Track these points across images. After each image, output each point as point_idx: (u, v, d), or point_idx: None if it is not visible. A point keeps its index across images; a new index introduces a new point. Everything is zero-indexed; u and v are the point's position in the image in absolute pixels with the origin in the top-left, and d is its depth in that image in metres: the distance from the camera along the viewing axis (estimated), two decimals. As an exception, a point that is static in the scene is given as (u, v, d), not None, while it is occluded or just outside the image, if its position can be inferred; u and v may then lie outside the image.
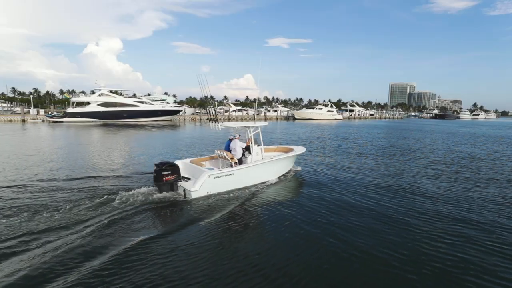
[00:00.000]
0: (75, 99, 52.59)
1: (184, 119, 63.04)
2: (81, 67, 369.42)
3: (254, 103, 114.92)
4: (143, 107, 54.40)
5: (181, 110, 63.75)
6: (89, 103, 50.40)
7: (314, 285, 4.97)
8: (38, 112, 54.80)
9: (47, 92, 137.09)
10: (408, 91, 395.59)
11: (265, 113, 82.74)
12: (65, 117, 48.71)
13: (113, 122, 49.32)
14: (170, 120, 58.97)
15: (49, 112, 53.75)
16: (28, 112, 54.81)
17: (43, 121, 48.98)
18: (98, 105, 50.28)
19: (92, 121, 49.24)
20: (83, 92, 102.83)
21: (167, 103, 79.71)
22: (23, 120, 48.06)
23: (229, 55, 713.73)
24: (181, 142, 24.35)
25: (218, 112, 67.42)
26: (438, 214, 8.14)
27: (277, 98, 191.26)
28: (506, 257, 5.93)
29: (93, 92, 51.59)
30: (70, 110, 49.74)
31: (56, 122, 47.66)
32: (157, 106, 58.27)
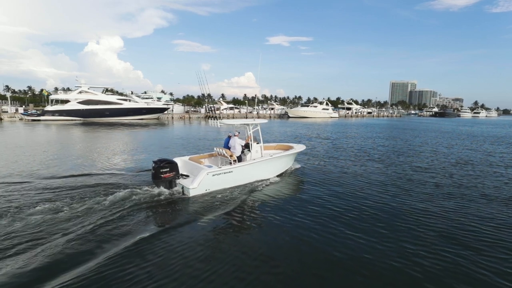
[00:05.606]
0: (53, 96, 50.37)
1: (172, 118, 60.87)
2: (82, 66, 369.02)
3: (252, 101, 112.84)
4: (126, 105, 52.27)
5: (168, 108, 61.65)
6: (68, 101, 48.28)
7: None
8: (16, 110, 52.69)
9: (42, 90, 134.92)
10: (409, 89, 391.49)
11: (257, 111, 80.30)
12: (43, 115, 46.57)
13: (95, 121, 47.38)
14: (157, 119, 56.86)
15: (27, 110, 51.54)
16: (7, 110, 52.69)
17: (20, 119, 47.03)
18: (78, 102, 48.20)
19: (71, 119, 47.20)
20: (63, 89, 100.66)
21: (158, 100, 77.63)
22: (0, 119, 45.99)
23: (229, 53, 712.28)
24: (149, 145, 22.18)
25: (210, 110, 65.34)
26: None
27: (275, 96, 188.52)
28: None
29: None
30: (48, 108, 47.59)
31: (34, 120, 45.69)
32: (142, 104, 56.14)
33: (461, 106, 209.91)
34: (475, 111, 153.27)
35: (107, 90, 61.74)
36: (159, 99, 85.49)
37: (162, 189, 9.05)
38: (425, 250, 5.99)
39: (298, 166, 13.44)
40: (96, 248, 5.73)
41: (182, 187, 9.08)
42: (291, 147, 12.86)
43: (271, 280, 4.92)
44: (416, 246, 6.16)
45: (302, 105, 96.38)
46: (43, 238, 6.08)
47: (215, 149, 11.22)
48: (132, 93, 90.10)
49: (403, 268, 5.33)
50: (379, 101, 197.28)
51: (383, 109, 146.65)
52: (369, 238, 6.45)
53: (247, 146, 11.21)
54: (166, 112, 60.35)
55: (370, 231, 6.85)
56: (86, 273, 4.92)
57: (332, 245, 6.15)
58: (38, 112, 48.87)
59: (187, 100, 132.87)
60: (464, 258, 5.72)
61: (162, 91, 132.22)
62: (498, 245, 6.28)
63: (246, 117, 63.20)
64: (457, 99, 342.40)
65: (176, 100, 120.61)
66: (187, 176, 9.89)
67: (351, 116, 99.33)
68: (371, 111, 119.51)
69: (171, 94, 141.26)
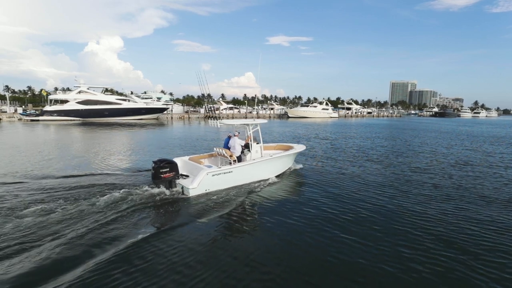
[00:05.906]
0: (52, 96, 50.23)
1: (172, 118, 60.73)
2: (82, 66, 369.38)
3: (252, 101, 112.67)
4: (125, 105, 52.20)
5: (167, 108, 61.48)
6: (67, 101, 48.16)
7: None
8: (15, 110, 52.59)
9: (41, 90, 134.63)
10: (409, 89, 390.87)
11: (257, 111, 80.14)
12: (42, 115, 46.47)
13: (94, 121, 47.29)
14: (156, 119, 56.72)
15: (26, 110, 51.44)
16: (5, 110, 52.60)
17: (19, 119, 46.92)
18: (77, 102, 48.11)
19: (70, 120, 47.08)
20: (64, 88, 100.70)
21: (158, 100, 77.47)
22: (-1, 119, 45.90)
23: (229, 53, 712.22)
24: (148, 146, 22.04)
25: (209, 110, 65.21)
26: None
27: (275, 96, 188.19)
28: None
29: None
30: (47, 108, 47.49)
31: (33, 120, 45.60)
32: (141, 104, 56.00)
33: (461, 106, 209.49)
34: (475, 111, 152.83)
35: (106, 90, 61.68)
36: (158, 99, 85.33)
37: (162, 189, 9.01)
38: (422, 254, 5.84)
39: (298, 166, 13.38)
40: (84, 253, 5.53)
41: (182, 187, 9.03)
42: (291, 147, 12.81)
43: (268, 280, 4.83)
44: (413, 250, 6.01)
45: (302, 105, 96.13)
46: (32, 241, 5.91)
47: (215, 149, 11.18)
48: (132, 93, 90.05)
49: (399, 274, 5.19)
50: (379, 101, 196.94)
51: (383, 109, 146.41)
52: (364, 242, 6.29)
53: (247, 146, 11.16)
54: (165, 112, 60.21)
55: (365, 234, 6.69)
56: (70, 279, 4.74)
57: (326, 249, 5.99)
58: (37, 112, 48.80)
59: (187, 100, 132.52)
60: (462, 263, 5.57)
61: (162, 91, 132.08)
62: (497, 249, 6.12)
63: (246, 117, 63.06)
64: (457, 99, 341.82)
65: (176, 100, 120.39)
66: (187, 176, 9.87)
67: (351, 116, 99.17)
68: (371, 111, 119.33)
69: (171, 94, 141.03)
